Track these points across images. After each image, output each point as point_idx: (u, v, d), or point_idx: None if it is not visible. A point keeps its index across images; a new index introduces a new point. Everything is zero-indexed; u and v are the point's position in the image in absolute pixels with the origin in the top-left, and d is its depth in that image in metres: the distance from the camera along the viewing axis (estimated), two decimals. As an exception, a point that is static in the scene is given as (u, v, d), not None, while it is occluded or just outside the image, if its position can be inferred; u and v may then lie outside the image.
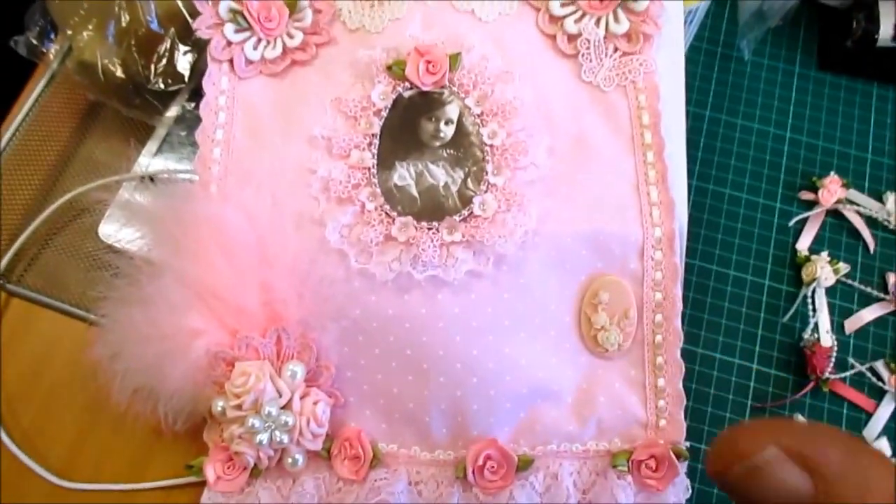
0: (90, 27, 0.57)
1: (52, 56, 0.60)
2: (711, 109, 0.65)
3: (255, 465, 0.49)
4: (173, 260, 0.48)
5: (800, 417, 0.54)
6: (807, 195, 0.62)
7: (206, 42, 0.55)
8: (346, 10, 0.56)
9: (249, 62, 0.55)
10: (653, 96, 0.53)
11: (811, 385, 0.56)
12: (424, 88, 0.52)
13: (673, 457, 0.48)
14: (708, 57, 0.68)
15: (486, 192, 0.50)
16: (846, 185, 0.61)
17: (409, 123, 0.52)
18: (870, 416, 0.56)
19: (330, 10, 0.56)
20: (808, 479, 0.22)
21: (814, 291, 0.58)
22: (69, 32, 0.58)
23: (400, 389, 0.50)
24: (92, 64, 0.58)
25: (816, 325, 0.58)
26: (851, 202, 0.61)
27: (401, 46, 0.53)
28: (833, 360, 0.56)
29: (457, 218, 0.49)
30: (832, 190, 0.61)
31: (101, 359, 0.49)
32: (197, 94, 0.57)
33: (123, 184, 0.59)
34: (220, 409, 0.48)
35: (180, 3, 0.58)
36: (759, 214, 0.62)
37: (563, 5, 0.54)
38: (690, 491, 0.49)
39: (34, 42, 0.59)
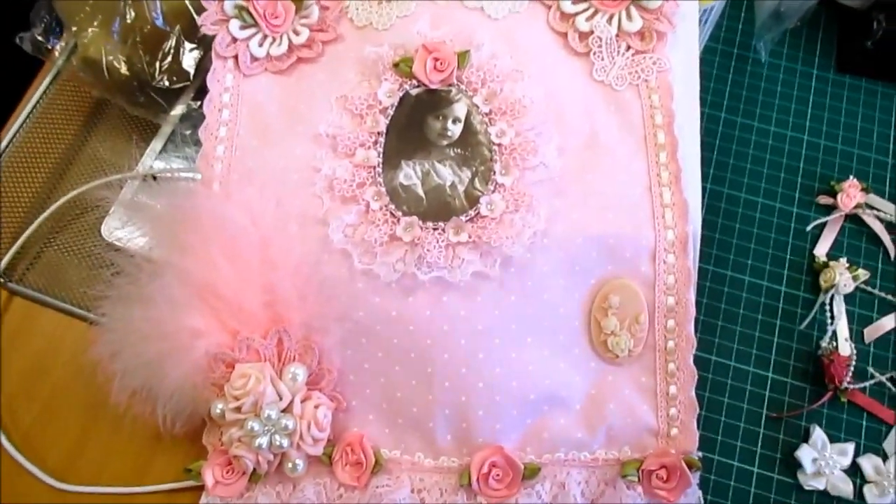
0: (95, 24, 0.56)
1: (57, 53, 0.59)
2: (727, 111, 0.64)
3: (255, 469, 0.48)
4: (174, 258, 0.47)
5: (817, 429, 0.52)
6: (825, 199, 0.60)
7: (212, 40, 0.55)
8: (353, 7, 0.55)
9: (255, 59, 0.54)
10: (666, 96, 0.51)
11: (829, 395, 0.54)
12: (432, 86, 0.51)
13: (685, 467, 0.47)
14: (724, 58, 0.66)
15: (493, 192, 0.49)
16: (866, 190, 0.59)
17: (415, 122, 0.51)
18: (890, 427, 0.54)
19: (337, 7, 0.55)
20: None
21: (832, 298, 0.57)
22: (74, 29, 0.57)
23: (404, 393, 0.48)
24: (97, 61, 0.57)
25: (835, 333, 0.56)
26: (871, 207, 0.60)
27: (408, 44, 0.52)
28: (852, 369, 0.54)
29: (463, 218, 0.48)
30: (851, 194, 0.59)
31: (101, 357, 0.48)
32: (202, 93, 0.57)
33: (127, 182, 0.59)
34: (219, 411, 0.47)
35: (186, 0, 0.57)
36: (776, 219, 0.60)
37: (574, 2, 0.53)
38: (702, 502, 0.47)
39: (39, 39, 0.58)
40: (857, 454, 0.52)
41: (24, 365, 0.56)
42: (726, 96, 0.64)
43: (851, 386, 0.54)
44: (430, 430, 0.48)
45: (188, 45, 0.58)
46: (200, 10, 0.55)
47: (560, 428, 0.48)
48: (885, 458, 0.53)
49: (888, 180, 0.61)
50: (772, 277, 0.58)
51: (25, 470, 0.52)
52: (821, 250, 0.59)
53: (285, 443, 0.47)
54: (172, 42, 0.58)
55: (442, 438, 0.48)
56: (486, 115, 0.51)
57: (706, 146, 0.53)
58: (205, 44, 0.58)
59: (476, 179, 0.49)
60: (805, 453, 0.52)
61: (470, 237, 0.48)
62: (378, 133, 0.51)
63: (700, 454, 0.48)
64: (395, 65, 0.52)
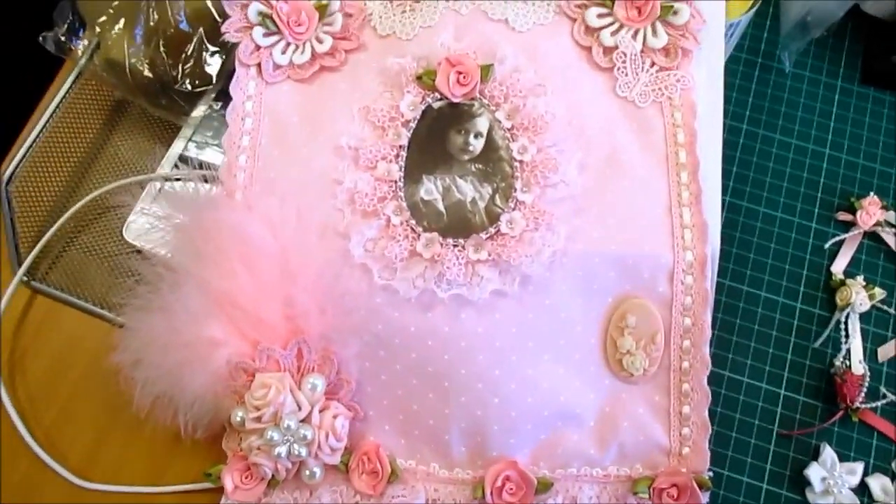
0: (119, 26, 0.57)
1: (79, 52, 0.59)
2: (748, 123, 0.64)
3: (273, 476, 0.49)
4: (195, 268, 0.48)
5: (827, 447, 0.53)
6: (844, 216, 0.60)
7: (235, 43, 0.55)
8: (376, 15, 0.55)
9: (277, 67, 0.54)
10: (689, 114, 0.51)
11: (840, 413, 0.54)
12: (454, 100, 0.51)
13: (695, 486, 0.47)
14: (747, 67, 0.65)
15: (514, 209, 0.49)
16: (886, 207, 0.59)
17: (437, 135, 0.51)
18: (900, 447, 0.54)
19: (360, 15, 0.55)
20: None
21: (847, 316, 0.57)
22: (98, 30, 0.57)
23: (420, 406, 0.49)
24: (119, 62, 0.57)
25: (849, 351, 0.56)
26: (891, 224, 0.59)
27: (431, 55, 0.52)
28: (864, 388, 0.55)
29: (483, 235, 0.49)
30: (871, 212, 0.59)
31: (122, 366, 0.49)
32: (224, 94, 0.57)
33: (148, 184, 0.59)
34: (239, 419, 0.48)
35: (210, 3, 0.57)
36: (794, 234, 0.60)
37: (599, 16, 0.53)
38: (712, 520, 0.48)
39: (62, 39, 0.58)
40: (865, 473, 0.53)
41: (46, 364, 0.56)
42: (749, 107, 0.64)
43: (863, 405, 0.54)
44: (445, 443, 0.49)
45: (211, 48, 0.58)
46: (223, 12, 0.55)
47: (573, 444, 0.49)
48: (893, 477, 0.53)
49: (909, 198, 0.61)
50: (788, 294, 0.58)
51: (48, 466, 0.53)
52: (838, 267, 0.59)
53: (304, 452, 0.47)
54: (195, 45, 0.58)
55: (457, 451, 0.49)
56: (509, 130, 0.51)
57: (727, 158, 0.53)
58: (227, 47, 0.58)
59: (497, 196, 0.49)
60: (814, 471, 0.53)
61: (490, 255, 0.48)
62: (400, 146, 0.51)
63: (710, 473, 0.49)
64: (419, 77, 0.51)
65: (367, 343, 0.49)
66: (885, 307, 0.57)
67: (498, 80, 0.51)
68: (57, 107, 0.60)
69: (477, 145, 0.51)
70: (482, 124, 0.51)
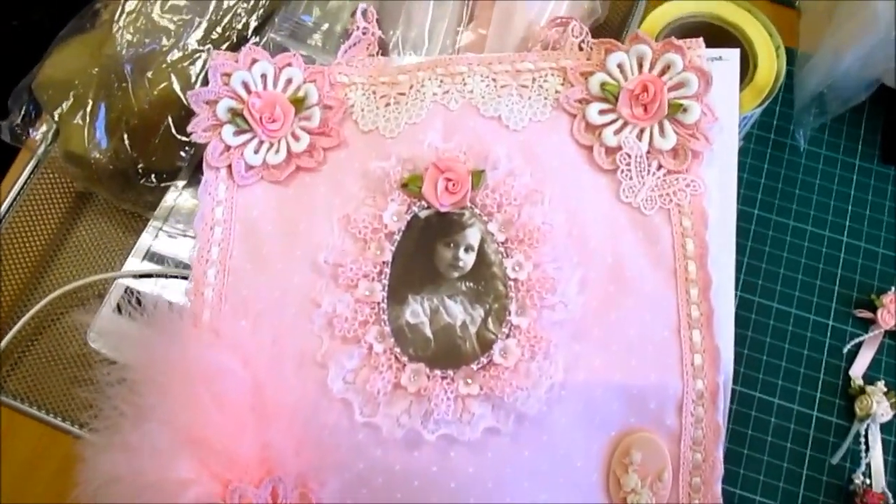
0: (78, 118, 0.52)
1: (37, 140, 0.55)
2: (760, 207, 0.59)
3: None
4: (159, 404, 0.44)
5: (847, 577, 0.49)
6: (864, 314, 0.56)
7: (205, 134, 0.50)
8: (358, 108, 0.50)
9: (250, 167, 0.49)
10: (700, 223, 0.47)
11: (860, 537, 0.50)
12: (443, 209, 0.47)
13: None
14: (759, 144, 0.61)
15: (508, 335, 0.45)
16: (908, 303, 0.55)
17: (424, 249, 0.47)
18: (923, 571, 0.50)
19: (341, 108, 0.50)
20: None
21: (868, 428, 0.53)
22: (56, 120, 0.53)
23: (406, 548, 0.45)
24: (80, 155, 0.53)
25: (869, 466, 0.52)
26: (914, 323, 0.55)
27: (418, 158, 0.48)
28: (886, 508, 0.51)
29: (475, 366, 0.44)
30: (892, 310, 0.55)
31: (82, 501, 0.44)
32: (195, 179, 0.53)
33: (115, 281, 0.55)
34: (208, 566, 0.44)
35: (177, 89, 0.53)
36: (810, 333, 0.56)
37: (601, 112, 0.48)
38: None
39: (17, 128, 0.54)
40: None
41: (7, 480, 0.52)
42: (760, 189, 0.60)
43: (885, 527, 0.51)
44: (433, 592, 0.45)
45: (179, 138, 0.53)
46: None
47: (573, 588, 0.45)
48: None
49: (934, 291, 0.57)
50: (803, 401, 0.54)
51: None
52: (857, 371, 0.55)
53: None
54: (162, 134, 0.53)
55: None
56: (502, 244, 0.46)
57: (737, 247, 0.49)
58: (197, 134, 0.53)
59: (489, 319, 0.45)
60: None
61: (482, 389, 0.44)
62: (383, 262, 0.46)
63: None
64: (404, 184, 0.47)
65: (348, 482, 0.45)
66: (908, 417, 0.53)
67: (491, 187, 0.47)
68: (16, 197, 0.56)
69: (467, 260, 0.46)
70: (473, 236, 0.47)
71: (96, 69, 0.52)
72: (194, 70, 0.53)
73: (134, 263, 0.55)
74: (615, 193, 0.48)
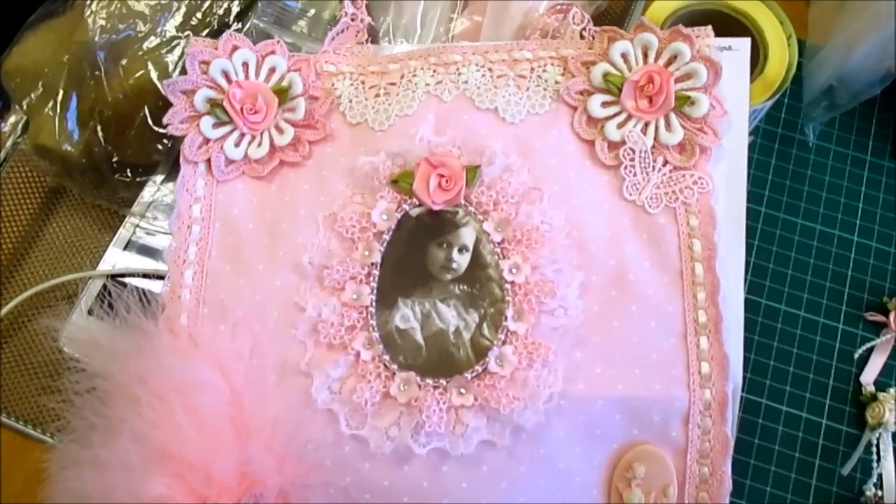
0: (48, 109, 0.49)
1: (5, 133, 0.52)
2: (767, 205, 0.57)
3: None
4: (131, 417, 0.41)
5: None
6: (875, 317, 0.53)
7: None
8: (346, 99, 0.47)
9: (230, 162, 0.47)
10: (707, 223, 0.44)
11: (872, 551, 0.48)
12: (435, 207, 0.44)
13: None
14: (766, 139, 0.58)
15: (504, 342, 0.42)
16: (922, 307, 0.53)
17: (415, 249, 0.44)
18: (936, 587, 0.48)
19: (328, 99, 0.47)
20: None
21: (879, 437, 0.50)
22: (24, 111, 0.49)
23: (395, 570, 0.43)
24: (50, 148, 0.50)
25: (880, 477, 0.50)
26: (927, 326, 0.53)
27: (409, 153, 0.45)
28: (899, 522, 0.49)
29: (469, 375, 0.42)
30: (905, 314, 0.52)
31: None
32: (174, 172, 0.50)
33: (89, 281, 0.52)
34: (185, 586, 0.41)
35: (154, 78, 0.50)
36: (819, 337, 0.53)
37: (604, 105, 0.46)
38: None
39: (-16, 120, 0.51)
40: None
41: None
42: (768, 187, 0.57)
43: (897, 542, 0.48)
44: None
45: (156, 130, 0.50)
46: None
47: None
48: None
49: (948, 294, 0.54)
50: (812, 408, 0.52)
51: None
52: (868, 377, 0.52)
53: None
54: (138, 126, 0.50)
55: None
56: (498, 244, 0.44)
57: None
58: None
59: (484, 325, 0.43)
60: None
61: (476, 399, 0.41)
62: (372, 264, 0.43)
63: None
64: (394, 181, 0.44)
65: (334, 498, 0.42)
66: (921, 425, 0.51)
67: (486, 184, 0.44)
68: (-16, 192, 0.53)
69: (461, 262, 0.44)
70: (467, 236, 0.44)
71: (67, 56, 0.49)
72: (172, 58, 0.50)
73: (109, 262, 0.52)
74: (618, 191, 0.45)
